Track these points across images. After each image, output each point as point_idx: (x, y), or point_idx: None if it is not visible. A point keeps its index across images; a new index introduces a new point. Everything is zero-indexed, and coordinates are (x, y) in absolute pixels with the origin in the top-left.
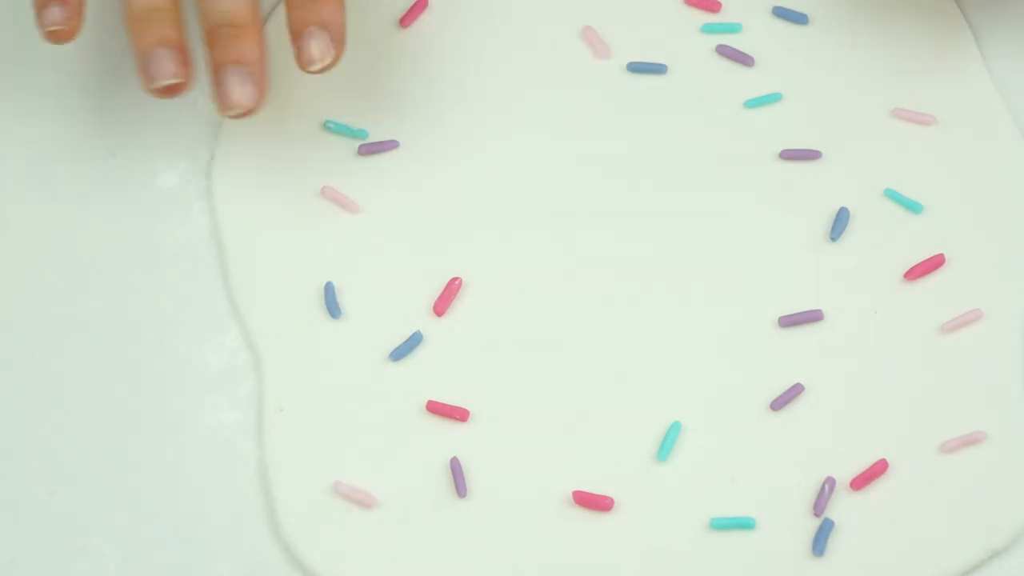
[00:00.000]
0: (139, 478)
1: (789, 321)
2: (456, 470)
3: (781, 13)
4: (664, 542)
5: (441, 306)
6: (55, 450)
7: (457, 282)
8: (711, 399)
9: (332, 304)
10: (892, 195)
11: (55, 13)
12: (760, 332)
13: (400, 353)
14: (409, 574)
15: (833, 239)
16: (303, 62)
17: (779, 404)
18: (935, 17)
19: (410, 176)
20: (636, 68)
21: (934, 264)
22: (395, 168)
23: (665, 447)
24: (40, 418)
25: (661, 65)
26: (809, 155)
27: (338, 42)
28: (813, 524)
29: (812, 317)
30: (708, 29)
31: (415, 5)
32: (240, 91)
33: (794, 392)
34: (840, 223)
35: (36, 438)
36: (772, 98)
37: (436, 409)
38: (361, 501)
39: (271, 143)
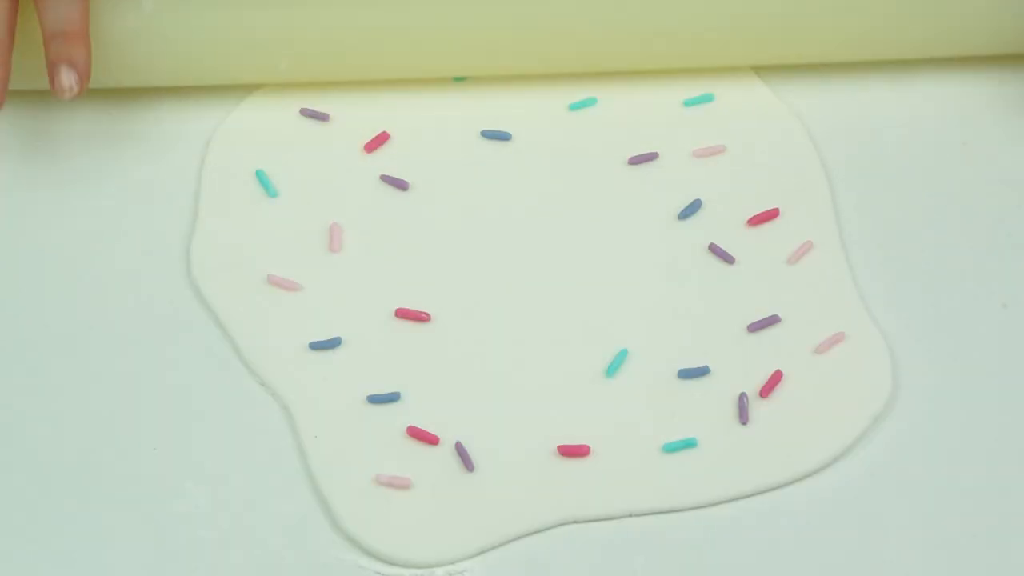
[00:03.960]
0: (205, 495)
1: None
2: (461, 451)
3: None
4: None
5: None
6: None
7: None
8: (651, 348)
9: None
10: None
11: (67, 78)
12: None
13: (377, 399)
14: (444, 535)
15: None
16: (55, 90)
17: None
18: None
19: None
20: None
21: (772, 215)
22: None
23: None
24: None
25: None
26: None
27: (83, 77)
28: (743, 431)
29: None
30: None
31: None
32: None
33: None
34: (692, 208)
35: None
36: (590, 102)
37: (414, 434)
38: (399, 485)
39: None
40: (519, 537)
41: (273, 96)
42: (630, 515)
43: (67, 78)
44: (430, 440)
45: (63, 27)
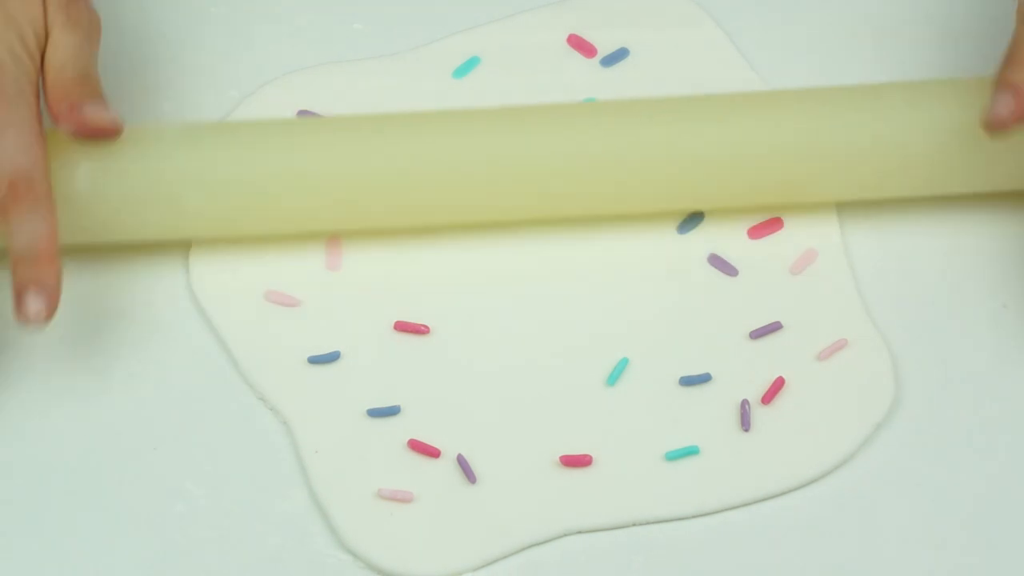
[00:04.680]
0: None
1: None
2: (463, 463)
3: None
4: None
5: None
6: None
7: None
8: (652, 356)
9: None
10: None
11: (35, 304)
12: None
13: (377, 413)
14: (448, 547)
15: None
16: (20, 317)
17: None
18: None
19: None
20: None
21: (775, 225)
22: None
23: (614, 376)
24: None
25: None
26: None
27: (53, 302)
28: (745, 438)
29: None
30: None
31: None
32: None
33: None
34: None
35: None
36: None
37: (416, 447)
38: (401, 499)
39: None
40: (523, 548)
41: (271, 101)
42: (633, 524)
43: (34, 303)
44: (431, 453)
45: (33, 244)
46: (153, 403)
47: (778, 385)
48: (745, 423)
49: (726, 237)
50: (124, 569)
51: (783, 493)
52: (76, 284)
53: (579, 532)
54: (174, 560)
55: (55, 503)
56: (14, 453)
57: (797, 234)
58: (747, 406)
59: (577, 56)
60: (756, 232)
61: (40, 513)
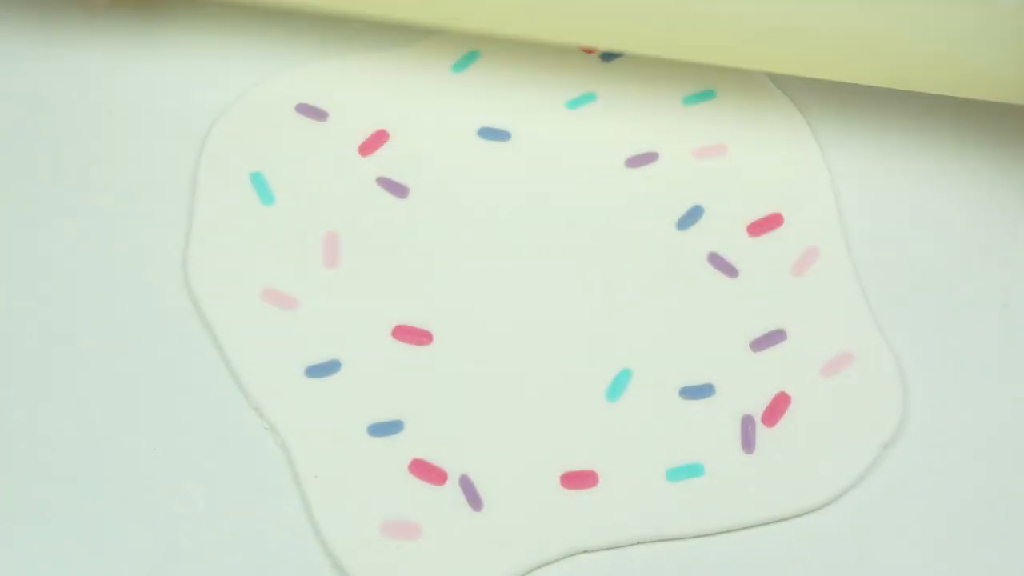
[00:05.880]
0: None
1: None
2: (468, 488)
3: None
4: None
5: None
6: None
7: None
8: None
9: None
10: None
11: None
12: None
13: (379, 431)
14: (456, 574)
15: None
16: None
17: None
18: None
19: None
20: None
21: (774, 221)
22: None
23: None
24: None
25: None
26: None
27: None
28: (748, 459)
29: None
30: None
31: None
32: None
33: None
34: (692, 216)
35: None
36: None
37: (419, 472)
38: (408, 535)
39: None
40: (529, 571)
41: (271, 96)
42: (639, 543)
43: None
44: (435, 480)
45: None
46: (149, 420)
47: (781, 401)
48: (748, 445)
49: (727, 233)
50: (123, 569)
51: (788, 518)
52: (73, 278)
53: (585, 552)
54: (173, 561)
55: (54, 503)
56: (12, 453)
57: (797, 229)
58: (751, 426)
59: (577, 51)
60: (757, 227)
61: (39, 513)
